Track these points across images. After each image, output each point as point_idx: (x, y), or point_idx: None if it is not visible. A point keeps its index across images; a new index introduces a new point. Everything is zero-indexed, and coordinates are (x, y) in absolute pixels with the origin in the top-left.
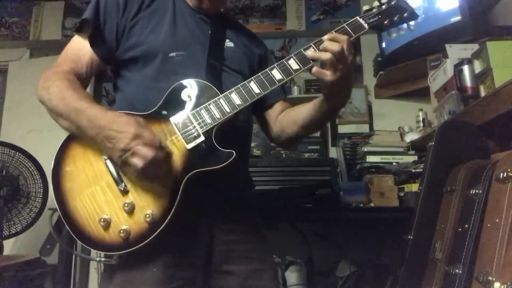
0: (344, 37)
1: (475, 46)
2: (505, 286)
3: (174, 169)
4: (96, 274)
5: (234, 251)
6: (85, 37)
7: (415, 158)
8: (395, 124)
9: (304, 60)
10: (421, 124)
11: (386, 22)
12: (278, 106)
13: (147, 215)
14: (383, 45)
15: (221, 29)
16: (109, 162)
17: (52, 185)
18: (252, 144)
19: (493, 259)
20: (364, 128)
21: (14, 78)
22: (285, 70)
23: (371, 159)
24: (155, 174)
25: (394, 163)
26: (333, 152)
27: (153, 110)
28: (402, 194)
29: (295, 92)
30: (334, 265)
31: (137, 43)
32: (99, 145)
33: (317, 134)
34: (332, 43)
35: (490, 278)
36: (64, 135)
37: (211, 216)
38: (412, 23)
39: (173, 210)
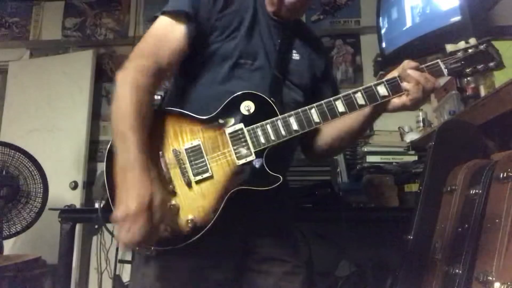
0: (435, 81)
1: None
2: (505, 286)
3: (222, 180)
4: (96, 274)
5: (270, 253)
6: (177, 22)
7: (415, 158)
8: (395, 124)
9: (371, 97)
10: (421, 124)
11: (468, 70)
12: None
13: (189, 220)
14: (383, 45)
15: (290, 39)
16: (162, 160)
17: (105, 171)
18: None
19: (493, 259)
20: None
21: (14, 78)
22: (350, 104)
23: (371, 159)
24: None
25: (394, 163)
26: None
27: (210, 116)
28: (402, 194)
29: None
30: (334, 265)
31: (215, 41)
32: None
33: None
34: (417, 88)
35: (490, 278)
36: (64, 135)
37: (247, 222)
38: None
39: (213, 220)
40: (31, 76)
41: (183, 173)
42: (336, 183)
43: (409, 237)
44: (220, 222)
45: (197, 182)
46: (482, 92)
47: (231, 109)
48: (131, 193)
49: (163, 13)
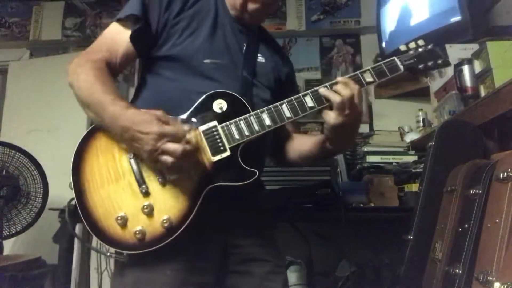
0: (355, 86)
1: (475, 46)
2: (505, 286)
3: (197, 178)
4: (96, 274)
5: (251, 253)
6: (125, 26)
7: (415, 158)
8: (395, 124)
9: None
10: (421, 124)
11: (420, 66)
12: (290, 126)
13: (165, 220)
14: (383, 45)
15: (256, 43)
16: (133, 161)
17: (72, 175)
18: None
19: (493, 259)
20: (364, 128)
21: (14, 78)
22: (318, 99)
23: (371, 159)
24: (187, 166)
25: (394, 163)
26: None
27: (184, 116)
28: (402, 194)
29: None
30: (334, 265)
31: (175, 43)
32: (124, 143)
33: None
34: (344, 88)
35: (490, 278)
36: (64, 135)
37: (225, 223)
38: (443, 70)
39: (190, 218)
40: (31, 76)
41: (157, 173)
42: (336, 183)
43: (409, 237)
44: (197, 222)
45: (172, 181)
46: (482, 92)
47: (204, 108)
48: (141, 125)
49: (116, 20)
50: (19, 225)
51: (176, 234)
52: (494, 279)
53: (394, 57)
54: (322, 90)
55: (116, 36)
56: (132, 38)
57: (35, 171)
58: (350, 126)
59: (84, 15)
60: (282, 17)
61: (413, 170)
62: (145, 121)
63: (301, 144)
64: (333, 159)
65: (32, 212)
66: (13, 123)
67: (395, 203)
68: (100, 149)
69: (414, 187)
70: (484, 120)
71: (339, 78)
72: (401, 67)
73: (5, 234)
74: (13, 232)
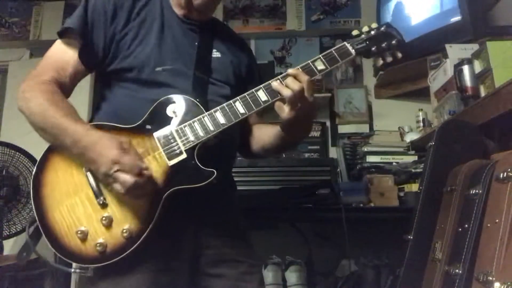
0: (305, 77)
1: (475, 46)
2: (505, 286)
3: (155, 185)
4: None
5: (223, 254)
6: (69, 44)
7: (415, 158)
8: (395, 124)
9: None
10: (421, 124)
11: (373, 48)
12: (251, 119)
13: (124, 230)
14: None
15: (209, 39)
16: (89, 174)
17: (32, 193)
18: None
19: (493, 259)
20: (364, 128)
21: (14, 78)
22: (271, 92)
23: (371, 159)
24: (138, 196)
25: (394, 163)
26: (333, 152)
27: (137, 124)
28: (402, 194)
29: None
30: (334, 265)
31: (125, 55)
32: (85, 164)
33: (317, 134)
34: (294, 81)
35: (490, 278)
36: None
37: (195, 223)
38: (399, 52)
39: (150, 226)
40: None
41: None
42: (336, 183)
43: (409, 237)
44: (166, 224)
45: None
46: (482, 92)
47: (157, 114)
48: (101, 148)
49: (59, 35)
50: (19, 225)
51: (137, 244)
52: (494, 279)
53: (345, 42)
54: (274, 84)
55: (61, 54)
56: (80, 56)
57: None
58: (303, 118)
59: None
60: (282, 17)
61: (413, 170)
62: (104, 145)
63: (262, 136)
64: (333, 159)
65: (32, 212)
66: (13, 123)
67: (395, 203)
68: (58, 166)
69: (414, 187)
70: (484, 120)
71: (289, 70)
72: (352, 51)
73: (5, 234)
74: (13, 232)
